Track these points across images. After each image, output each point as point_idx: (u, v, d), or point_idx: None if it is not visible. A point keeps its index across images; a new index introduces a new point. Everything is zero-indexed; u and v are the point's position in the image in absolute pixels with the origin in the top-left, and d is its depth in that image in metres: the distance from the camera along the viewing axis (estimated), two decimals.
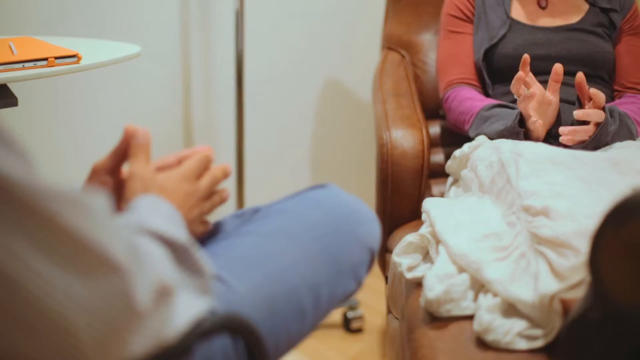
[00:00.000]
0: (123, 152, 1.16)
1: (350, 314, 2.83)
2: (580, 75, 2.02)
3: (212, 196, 1.21)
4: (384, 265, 2.39)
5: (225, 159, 3.04)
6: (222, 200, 1.23)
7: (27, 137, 2.59)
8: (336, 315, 2.91)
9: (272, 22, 3.11)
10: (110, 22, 2.75)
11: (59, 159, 2.67)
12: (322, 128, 3.36)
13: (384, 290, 2.48)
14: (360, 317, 2.84)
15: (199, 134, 3.02)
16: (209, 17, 2.96)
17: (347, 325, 2.84)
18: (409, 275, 1.73)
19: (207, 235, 1.23)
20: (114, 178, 1.18)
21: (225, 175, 1.22)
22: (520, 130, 2.04)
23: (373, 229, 1.28)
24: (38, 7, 2.60)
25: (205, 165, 1.20)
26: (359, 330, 2.84)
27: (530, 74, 2.06)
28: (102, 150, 1.36)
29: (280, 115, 3.23)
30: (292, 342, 1.15)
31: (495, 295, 1.50)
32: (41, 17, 2.61)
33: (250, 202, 3.12)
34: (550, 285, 1.42)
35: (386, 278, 2.35)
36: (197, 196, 1.16)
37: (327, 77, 3.32)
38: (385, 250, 2.37)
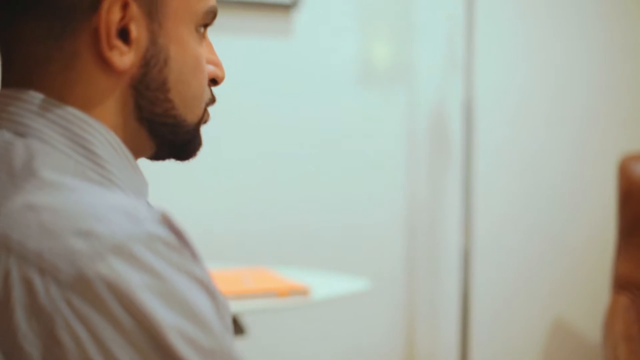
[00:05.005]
0: None
1: None
2: None
3: None
4: None
5: None
6: None
7: None
8: None
9: (496, 260, 3.11)
10: (338, 253, 2.82)
11: None
12: None
13: None
14: None
15: None
16: (435, 252, 2.98)
17: None
18: None
19: None
20: None
21: None
22: None
23: None
24: (270, 238, 2.72)
25: None
26: None
27: None
28: None
29: (505, 351, 3.16)
30: None
31: None
32: (272, 247, 2.72)
33: None
34: None
35: None
36: None
37: (554, 315, 3.25)
38: None
